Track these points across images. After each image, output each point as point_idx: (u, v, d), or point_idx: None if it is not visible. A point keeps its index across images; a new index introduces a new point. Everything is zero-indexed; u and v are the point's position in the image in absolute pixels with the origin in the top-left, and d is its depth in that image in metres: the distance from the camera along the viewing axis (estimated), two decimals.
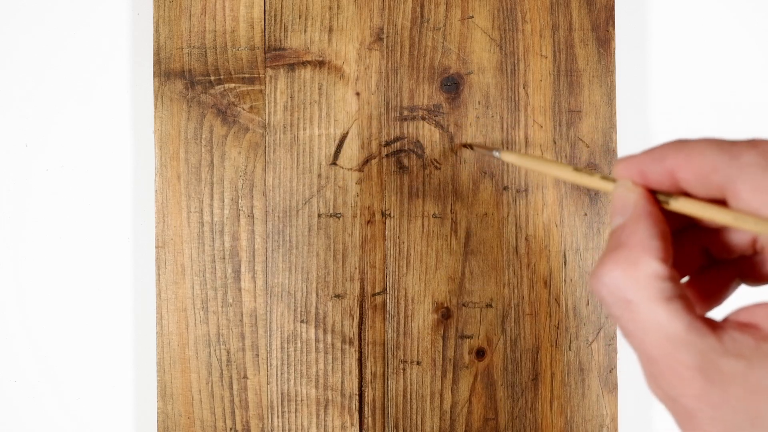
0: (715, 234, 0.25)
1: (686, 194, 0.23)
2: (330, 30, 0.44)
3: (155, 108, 0.44)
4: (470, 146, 0.43)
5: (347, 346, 0.44)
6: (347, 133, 0.44)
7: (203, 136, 0.44)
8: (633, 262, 0.22)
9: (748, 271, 0.25)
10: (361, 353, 0.44)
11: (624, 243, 0.22)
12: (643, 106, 0.48)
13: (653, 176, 0.23)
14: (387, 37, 0.44)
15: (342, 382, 0.44)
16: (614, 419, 0.44)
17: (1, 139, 0.47)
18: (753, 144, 0.22)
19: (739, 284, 0.25)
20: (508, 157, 0.36)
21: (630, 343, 0.22)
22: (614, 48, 0.44)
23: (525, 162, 0.33)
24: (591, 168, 0.27)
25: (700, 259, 0.26)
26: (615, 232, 0.23)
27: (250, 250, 0.44)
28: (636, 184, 0.24)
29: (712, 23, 0.49)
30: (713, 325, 0.21)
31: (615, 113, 0.44)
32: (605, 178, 0.26)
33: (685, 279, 0.26)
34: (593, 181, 0.26)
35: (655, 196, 0.24)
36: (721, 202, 0.22)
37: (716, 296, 0.25)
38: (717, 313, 0.24)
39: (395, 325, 0.44)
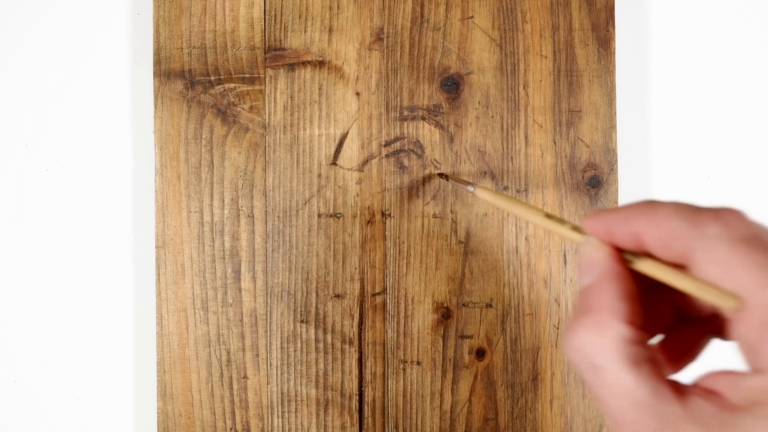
0: (684, 294, 0.25)
1: (652, 256, 0.23)
2: (330, 30, 0.44)
3: (155, 108, 0.44)
4: (445, 176, 0.43)
5: (347, 346, 0.44)
6: (347, 133, 0.44)
7: (203, 136, 0.44)
8: (600, 327, 0.22)
9: (720, 328, 0.25)
10: (361, 353, 0.44)
11: (592, 306, 0.22)
12: (643, 106, 0.48)
13: (620, 236, 0.23)
14: (387, 37, 0.44)
15: (342, 382, 0.44)
16: None
17: (1, 139, 0.47)
18: (717, 214, 0.21)
19: (711, 339, 0.25)
20: (482, 193, 0.35)
21: (600, 407, 0.22)
22: (614, 48, 0.44)
23: (498, 201, 0.33)
24: (561, 219, 0.27)
25: (673, 315, 0.26)
26: (583, 292, 0.23)
27: (250, 250, 0.44)
28: (603, 243, 0.24)
29: (712, 23, 0.49)
30: (680, 390, 0.21)
31: (615, 113, 0.44)
32: (575, 228, 0.26)
33: (659, 337, 0.26)
34: (562, 230, 0.26)
35: (621, 254, 0.24)
36: (684, 267, 0.22)
37: (691, 352, 0.25)
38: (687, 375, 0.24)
39: (395, 325, 0.44)
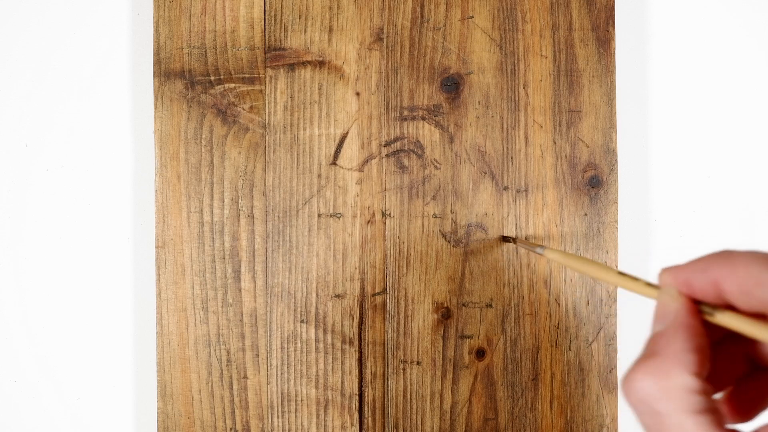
0: (760, 343, 0.25)
1: (731, 306, 0.23)
2: (330, 30, 0.44)
3: (155, 108, 0.44)
4: (513, 240, 0.43)
5: (347, 346, 0.44)
6: (347, 133, 0.44)
7: (203, 136, 0.44)
8: (665, 373, 0.22)
9: None
10: (361, 353, 0.44)
11: (658, 352, 0.22)
12: (643, 106, 0.48)
13: (698, 286, 0.23)
14: (387, 37, 0.44)
15: (342, 382, 0.44)
16: (614, 419, 0.44)
17: (1, 139, 0.47)
18: None
19: None
20: (552, 254, 0.35)
21: None
22: (614, 48, 0.44)
23: (569, 261, 0.32)
24: (629, 275, 0.26)
25: (745, 366, 0.26)
26: (653, 338, 0.23)
27: (250, 250, 0.44)
28: (680, 294, 0.24)
29: (712, 23, 0.49)
30: None
31: (615, 113, 0.44)
32: (650, 284, 0.25)
33: (723, 392, 0.26)
34: (637, 287, 0.26)
35: (698, 307, 0.24)
36: (764, 317, 0.22)
37: (762, 402, 0.25)
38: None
39: (395, 325, 0.44)
